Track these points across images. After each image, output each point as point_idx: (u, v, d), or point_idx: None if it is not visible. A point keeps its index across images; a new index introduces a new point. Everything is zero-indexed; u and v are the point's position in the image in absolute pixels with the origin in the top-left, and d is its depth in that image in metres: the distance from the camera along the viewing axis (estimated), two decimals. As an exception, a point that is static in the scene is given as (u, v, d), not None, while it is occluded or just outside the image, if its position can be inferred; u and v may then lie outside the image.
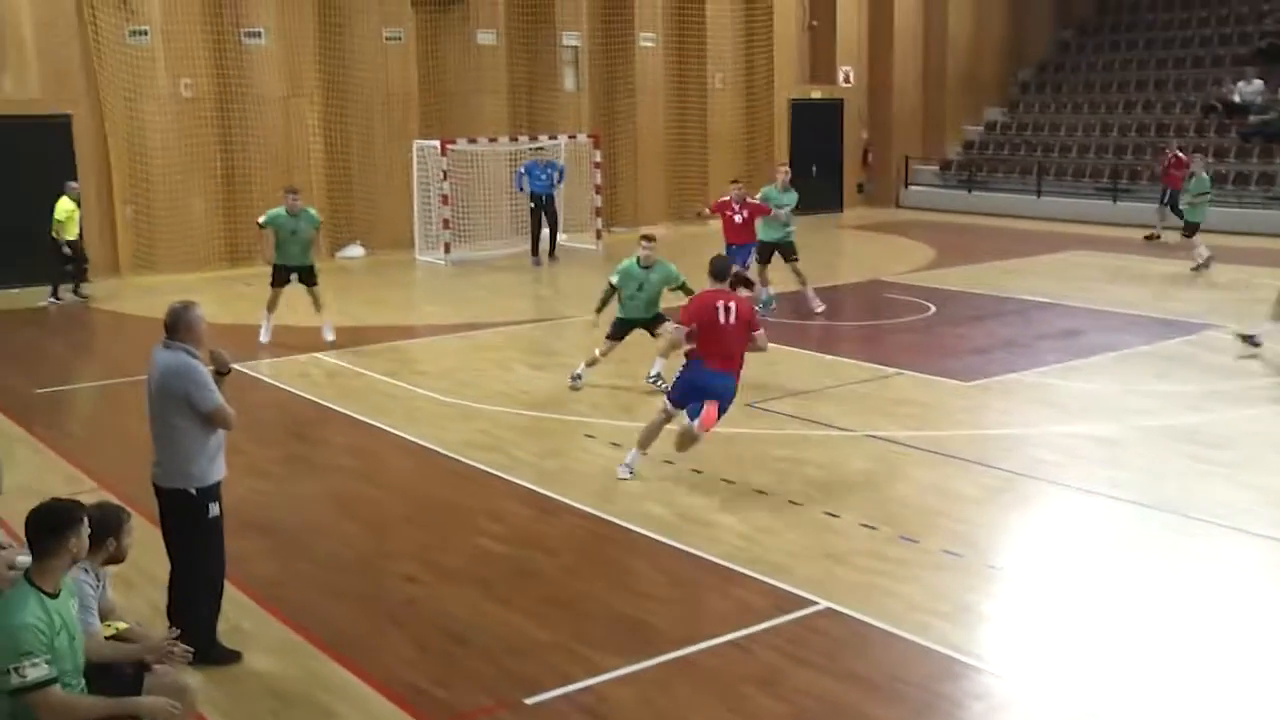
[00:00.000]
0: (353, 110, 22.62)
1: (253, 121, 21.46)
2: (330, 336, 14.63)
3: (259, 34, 21.40)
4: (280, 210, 14.45)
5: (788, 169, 16.70)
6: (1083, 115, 30.17)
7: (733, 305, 9.26)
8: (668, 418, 9.51)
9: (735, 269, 10.18)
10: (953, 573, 7.62)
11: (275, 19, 21.51)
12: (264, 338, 14.69)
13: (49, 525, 4.85)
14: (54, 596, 4.82)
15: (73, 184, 18.69)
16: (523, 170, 21.78)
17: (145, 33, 20.33)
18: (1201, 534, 8.27)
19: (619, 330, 12.25)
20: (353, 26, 22.41)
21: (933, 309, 16.31)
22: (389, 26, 22.83)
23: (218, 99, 21.26)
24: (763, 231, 15.83)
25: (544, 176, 21.60)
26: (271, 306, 14.70)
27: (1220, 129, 27.13)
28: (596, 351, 12.23)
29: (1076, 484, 9.29)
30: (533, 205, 21.69)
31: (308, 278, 14.66)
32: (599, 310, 12.27)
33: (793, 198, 16.11)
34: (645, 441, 9.54)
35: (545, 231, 21.94)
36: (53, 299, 18.30)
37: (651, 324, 12.25)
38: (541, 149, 22.52)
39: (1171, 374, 12.80)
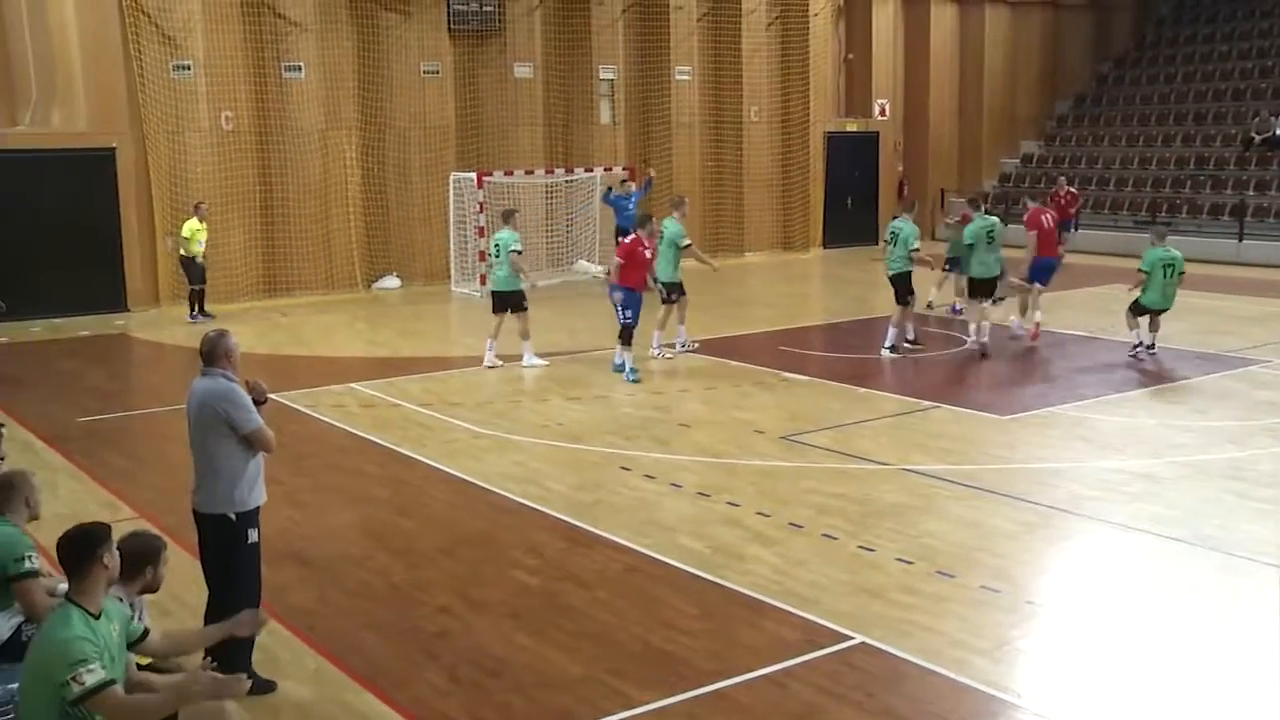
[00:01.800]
0: (390, 143, 22.85)
1: (291, 154, 21.73)
2: (535, 361, 15.22)
3: (299, 68, 21.68)
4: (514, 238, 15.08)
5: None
6: (1120, 148, 30.03)
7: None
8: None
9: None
10: (991, 609, 7.53)
11: (315, 53, 21.80)
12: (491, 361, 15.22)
13: (77, 547, 4.93)
14: (96, 617, 4.86)
15: (202, 205, 19.51)
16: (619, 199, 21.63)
17: (189, 67, 20.65)
18: (1245, 571, 8.13)
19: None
20: (391, 60, 22.66)
21: (969, 341, 16.21)
22: (427, 60, 23.06)
23: (258, 131, 21.56)
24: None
25: (629, 208, 21.06)
26: (527, 334, 15.29)
27: (1261, 162, 26.93)
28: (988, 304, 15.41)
29: (1116, 519, 9.17)
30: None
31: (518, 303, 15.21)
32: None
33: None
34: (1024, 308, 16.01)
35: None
36: (200, 315, 19.31)
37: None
38: (627, 182, 22.44)
39: (1211, 409, 12.65)
